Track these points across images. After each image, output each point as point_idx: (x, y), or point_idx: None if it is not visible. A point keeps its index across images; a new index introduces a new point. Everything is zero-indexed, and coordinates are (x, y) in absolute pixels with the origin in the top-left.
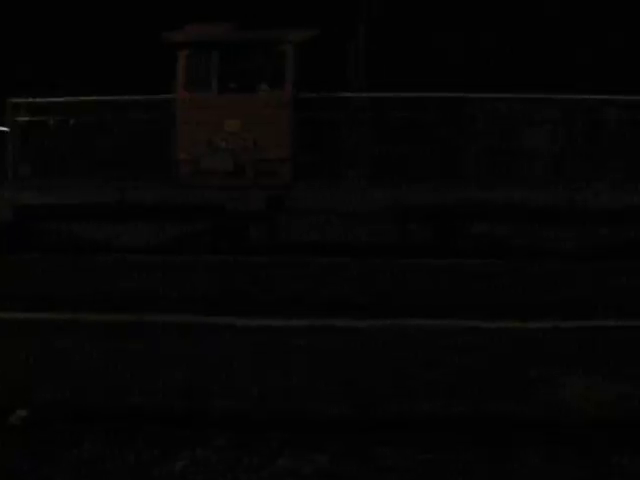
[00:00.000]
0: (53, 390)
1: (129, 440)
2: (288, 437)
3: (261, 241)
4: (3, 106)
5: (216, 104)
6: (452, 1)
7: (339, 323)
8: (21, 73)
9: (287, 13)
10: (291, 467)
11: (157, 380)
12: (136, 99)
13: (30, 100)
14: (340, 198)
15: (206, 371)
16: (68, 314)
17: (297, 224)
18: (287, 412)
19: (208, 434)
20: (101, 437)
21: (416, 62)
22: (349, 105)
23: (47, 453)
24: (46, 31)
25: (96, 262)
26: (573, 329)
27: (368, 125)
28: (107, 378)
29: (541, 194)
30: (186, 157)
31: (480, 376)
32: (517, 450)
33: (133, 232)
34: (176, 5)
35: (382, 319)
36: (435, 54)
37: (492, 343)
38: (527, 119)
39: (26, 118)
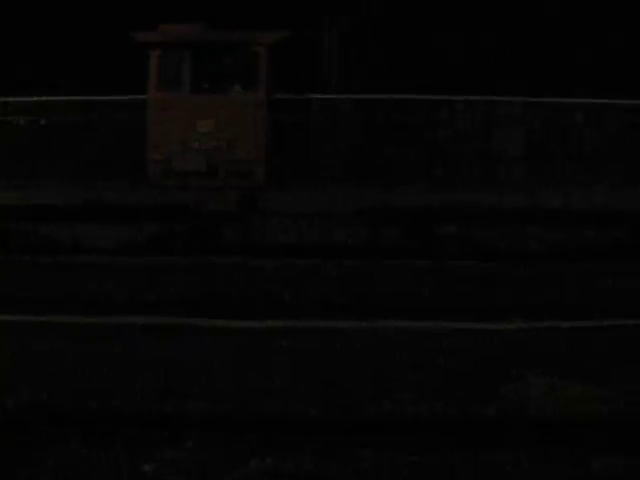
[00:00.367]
0: (29, 392)
1: (107, 443)
2: (268, 438)
3: (235, 242)
4: None
5: (189, 104)
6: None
7: (321, 324)
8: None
9: (261, 14)
10: (269, 469)
11: (136, 382)
12: (107, 99)
13: (2, 100)
14: (314, 199)
15: (185, 373)
16: (44, 316)
17: (271, 225)
18: (267, 413)
19: (184, 436)
20: (78, 439)
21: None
22: (322, 106)
23: (24, 455)
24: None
25: (69, 264)
26: (559, 329)
27: (342, 126)
28: (85, 381)
29: (525, 197)
30: (158, 157)
31: (464, 378)
32: (504, 452)
33: (105, 234)
34: (148, 5)
35: (364, 321)
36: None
37: (476, 345)
38: (506, 121)
39: None
